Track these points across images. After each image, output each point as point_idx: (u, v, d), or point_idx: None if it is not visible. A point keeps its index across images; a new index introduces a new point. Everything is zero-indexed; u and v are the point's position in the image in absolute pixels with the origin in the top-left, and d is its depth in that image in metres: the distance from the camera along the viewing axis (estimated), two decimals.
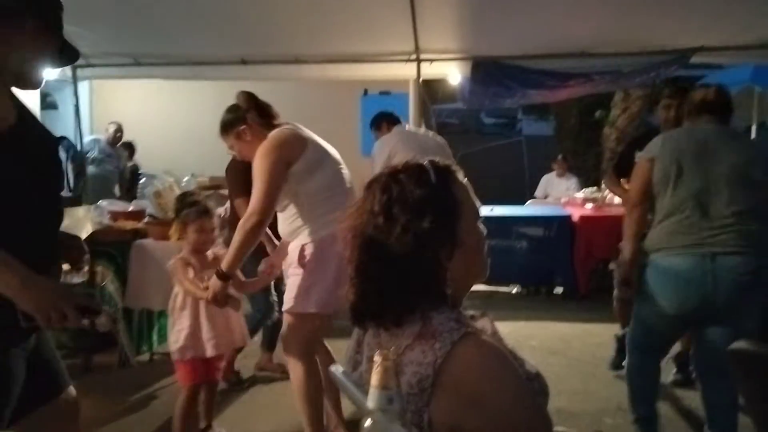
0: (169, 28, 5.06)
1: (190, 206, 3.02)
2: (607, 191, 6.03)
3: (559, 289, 6.13)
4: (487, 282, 5.89)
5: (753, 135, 7.53)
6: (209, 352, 2.87)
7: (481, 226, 1.23)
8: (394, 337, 1.14)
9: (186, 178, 5.48)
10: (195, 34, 5.05)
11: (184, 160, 6.08)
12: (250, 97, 2.83)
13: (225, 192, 4.25)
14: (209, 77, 5.83)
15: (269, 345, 4.07)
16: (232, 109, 2.82)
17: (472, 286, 1.24)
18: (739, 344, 1.66)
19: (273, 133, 2.68)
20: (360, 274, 1.19)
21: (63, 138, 1.35)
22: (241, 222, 2.60)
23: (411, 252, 1.13)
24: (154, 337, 4.38)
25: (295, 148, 2.65)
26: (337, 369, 1.30)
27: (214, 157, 5.87)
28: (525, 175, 11.32)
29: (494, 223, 5.66)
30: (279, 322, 4.08)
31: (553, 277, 6.09)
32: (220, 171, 5.37)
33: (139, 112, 6.46)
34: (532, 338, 4.71)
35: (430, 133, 4.95)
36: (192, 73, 5.61)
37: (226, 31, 5.00)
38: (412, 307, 1.13)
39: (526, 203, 7.90)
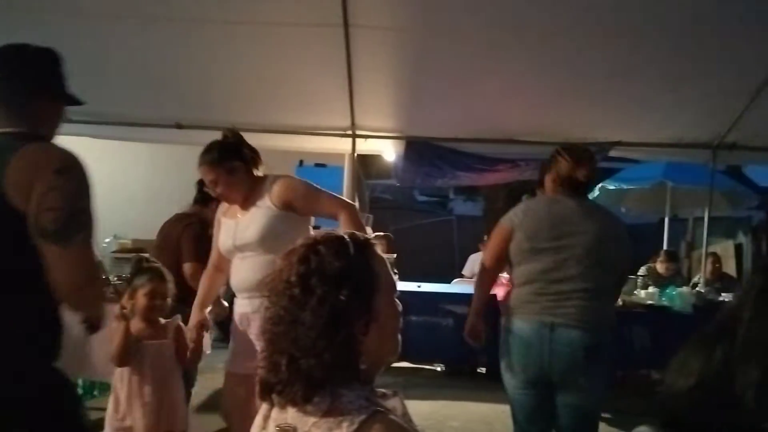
0: (101, 86, 4.96)
1: (145, 272, 2.90)
2: None
3: (482, 369, 6.12)
4: (411, 359, 5.89)
5: (666, 227, 7.98)
6: (138, 428, 2.70)
7: (398, 301, 1.22)
8: (301, 413, 1.10)
9: (107, 240, 5.28)
10: (129, 94, 4.96)
11: (106, 220, 5.86)
12: (240, 135, 2.75)
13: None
14: (142, 139, 5.69)
15: None
16: (226, 142, 2.71)
17: (384, 362, 1.22)
18: (640, 429, 1.68)
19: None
20: (271, 345, 1.15)
21: None
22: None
23: (326, 325, 1.11)
24: None
25: None
26: None
27: (139, 219, 5.71)
28: (454, 253, 11.50)
29: (420, 300, 5.68)
30: None
31: (476, 356, 6.08)
32: (144, 234, 5.21)
33: None
34: (453, 419, 4.66)
35: None
36: (124, 133, 5.46)
37: (161, 94, 4.96)
38: (323, 382, 1.10)
39: (453, 281, 7.97)
